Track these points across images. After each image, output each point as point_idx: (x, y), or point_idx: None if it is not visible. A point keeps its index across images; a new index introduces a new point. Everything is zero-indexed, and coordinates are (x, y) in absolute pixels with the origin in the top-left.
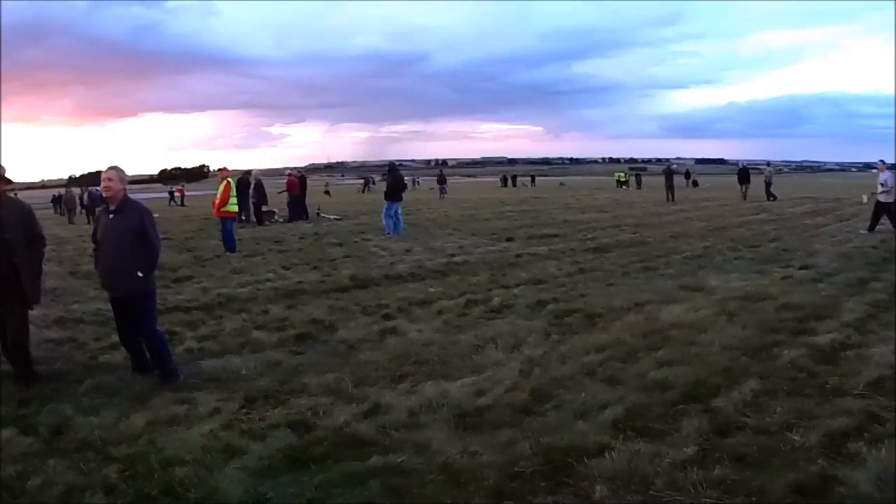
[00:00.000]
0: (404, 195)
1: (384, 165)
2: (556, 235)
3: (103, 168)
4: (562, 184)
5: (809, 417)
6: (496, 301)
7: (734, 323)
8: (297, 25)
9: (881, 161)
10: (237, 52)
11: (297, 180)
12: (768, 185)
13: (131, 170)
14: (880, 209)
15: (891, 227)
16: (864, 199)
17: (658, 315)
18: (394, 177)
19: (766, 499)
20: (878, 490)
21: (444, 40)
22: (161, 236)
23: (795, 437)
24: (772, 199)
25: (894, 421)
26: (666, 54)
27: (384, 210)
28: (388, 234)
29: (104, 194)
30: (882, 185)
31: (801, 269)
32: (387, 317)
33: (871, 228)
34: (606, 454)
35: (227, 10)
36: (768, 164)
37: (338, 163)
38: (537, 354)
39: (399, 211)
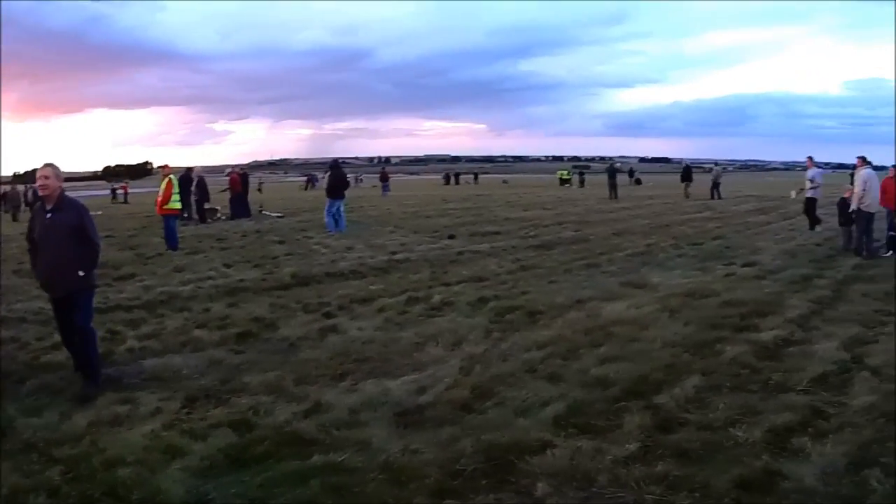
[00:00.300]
0: (347, 193)
1: (327, 163)
2: (498, 233)
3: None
4: (505, 181)
5: (753, 413)
6: (437, 298)
7: (676, 319)
8: (243, 19)
9: (809, 158)
10: (182, 46)
11: (239, 178)
12: (716, 184)
13: (75, 167)
14: (811, 206)
15: (835, 225)
16: (792, 194)
17: (600, 312)
18: (336, 174)
19: (709, 494)
20: (824, 484)
21: (390, 35)
22: (103, 234)
23: (739, 433)
24: (717, 197)
25: (839, 416)
26: (612, 53)
27: (326, 207)
28: (331, 231)
29: (40, 192)
30: (810, 181)
31: (744, 266)
32: (328, 315)
33: (812, 226)
34: (548, 451)
35: (174, 2)
36: (716, 163)
37: (281, 160)
38: (478, 352)
39: (341, 208)
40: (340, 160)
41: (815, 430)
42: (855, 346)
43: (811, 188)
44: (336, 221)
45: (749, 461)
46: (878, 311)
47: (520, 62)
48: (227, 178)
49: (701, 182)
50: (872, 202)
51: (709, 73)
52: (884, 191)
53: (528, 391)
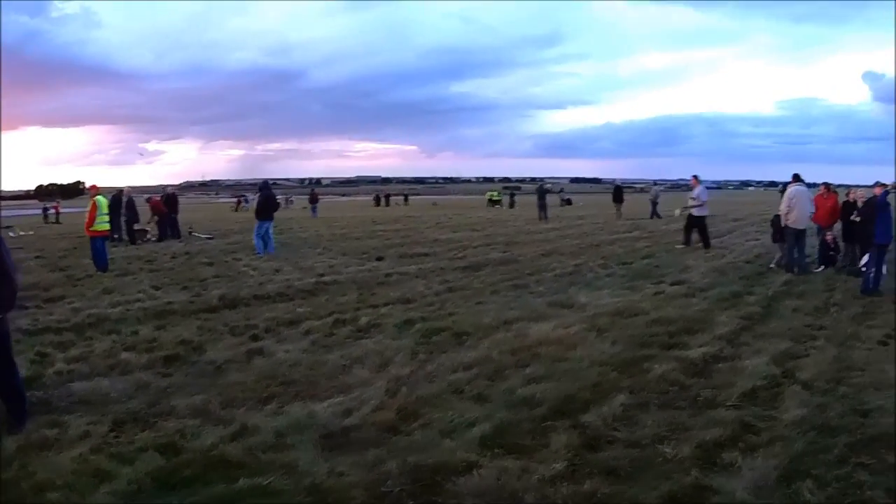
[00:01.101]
0: (277, 214)
1: (258, 183)
2: (426, 254)
3: None
4: (435, 203)
5: (682, 429)
6: (364, 321)
7: (604, 339)
8: (179, 38)
9: (694, 176)
10: (118, 64)
11: (162, 201)
12: (654, 203)
13: (7, 186)
14: (692, 223)
15: (772, 242)
16: (677, 213)
17: (527, 332)
18: (266, 196)
19: None
20: (755, 497)
21: (323, 56)
22: (33, 255)
23: (667, 450)
24: (656, 217)
25: (769, 430)
26: (545, 75)
27: (255, 229)
28: (259, 253)
29: None
30: (693, 199)
31: (673, 284)
32: (255, 337)
33: (686, 242)
34: (474, 472)
35: (111, 19)
36: (655, 183)
37: (212, 181)
38: (404, 373)
39: (270, 230)
40: (271, 181)
41: (745, 444)
42: (785, 360)
43: (696, 206)
44: (265, 243)
45: (678, 477)
46: (808, 326)
47: (452, 84)
48: (148, 201)
49: (632, 202)
50: (800, 218)
51: (641, 94)
52: (816, 208)
53: (454, 412)
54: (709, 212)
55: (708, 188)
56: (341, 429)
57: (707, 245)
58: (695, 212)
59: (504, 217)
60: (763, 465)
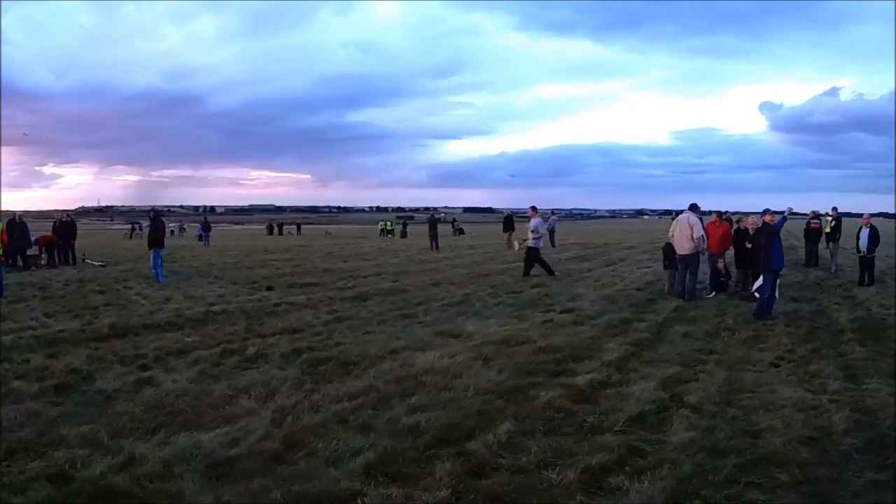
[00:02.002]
0: (169, 242)
1: (149, 211)
2: (316, 284)
3: None
4: (328, 232)
5: (568, 455)
6: (251, 350)
7: (490, 367)
8: (80, 57)
9: (532, 208)
10: (18, 82)
11: (53, 229)
12: (551, 232)
13: None
14: (531, 255)
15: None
16: (516, 245)
17: (413, 362)
18: (156, 224)
19: None
20: None
21: (221, 81)
22: None
23: (553, 475)
24: (552, 245)
25: (657, 453)
26: (442, 105)
27: (154, 258)
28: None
29: None
30: (532, 231)
31: (562, 312)
32: (143, 367)
33: (527, 272)
34: (359, 500)
35: (13, 35)
36: (552, 212)
37: (108, 206)
38: (290, 403)
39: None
40: (165, 209)
41: (632, 467)
42: (674, 384)
43: (534, 238)
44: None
45: (563, 501)
46: (698, 350)
47: (348, 112)
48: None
49: (524, 231)
50: (677, 245)
51: (537, 124)
52: (707, 235)
53: (338, 441)
54: (543, 244)
55: (601, 217)
56: (227, 458)
57: (550, 272)
58: (531, 243)
59: (396, 246)
60: (650, 487)
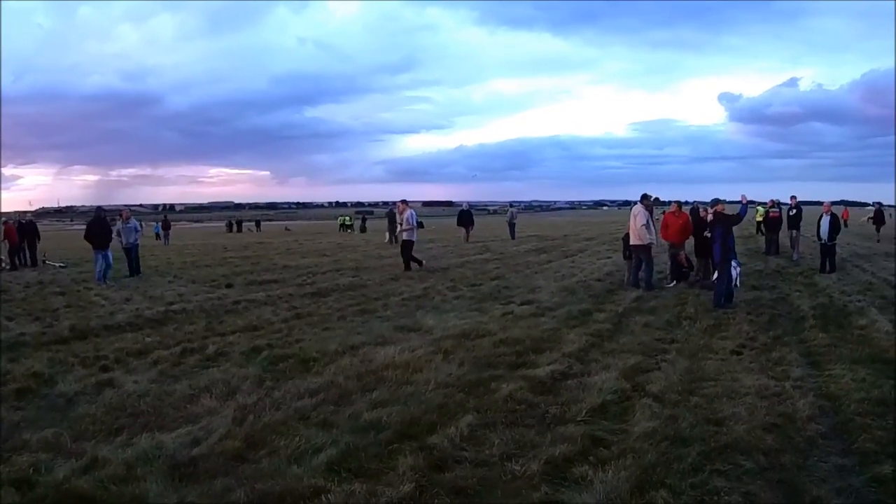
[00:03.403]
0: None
1: (114, 210)
2: (275, 281)
3: None
4: (287, 228)
5: (530, 447)
6: (212, 349)
7: (450, 361)
8: (36, 59)
9: (402, 201)
10: None
11: (14, 227)
12: (512, 225)
13: None
14: (404, 247)
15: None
16: (386, 237)
17: (373, 357)
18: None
19: None
20: None
21: (178, 81)
22: None
23: (516, 467)
24: (513, 238)
25: (620, 443)
26: (398, 100)
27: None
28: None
29: None
30: (403, 224)
31: (522, 304)
32: (104, 368)
33: (408, 267)
34: (322, 497)
35: None
36: (511, 204)
37: (67, 207)
38: (251, 402)
39: (110, 258)
40: (129, 207)
41: (595, 458)
42: (635, 374)
43: (406, 230)
44: (104, 272)
45: (527, 493)
46: (659, 340)
47: (305, 109)
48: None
49: (481, 225)
50: (633, 235)
51: (494, 118)
52: (665, 226)
53: (300, 438)
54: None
55: (560, 209)
56: (189, 458)
57: (419, 264)
58: (405, 235)
59: (355, 242)
60: (614, 477)
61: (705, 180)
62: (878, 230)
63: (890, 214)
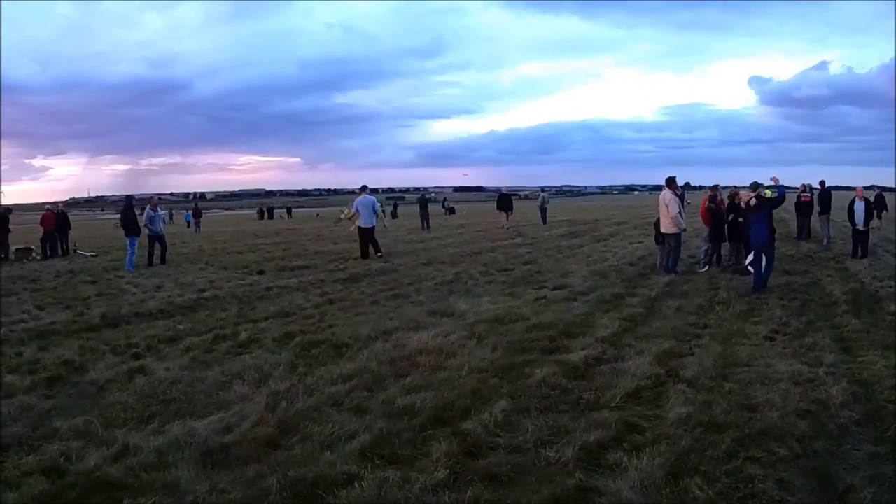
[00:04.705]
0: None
1: (145, 199)
2: (307, 267)
3: None
4: (318, 215)
5: (564, 433)
6: (244, 336)
7: (483, 346)
8: (62, 49)
9: (363, 187)
10: (4, 76)
11: (53, 215)
12: (543, 210)
13: None
14: (362, 235)
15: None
16: (342, 215)
17: (406, 342)
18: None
19: None
20: (642, 496)
21: (205, 67)
22: None
23: (550, 453)
24: (545, 223)
25: (654, 429)
26: (427, 85)
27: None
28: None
29: None
30: (357, 212)
31: (554, 289)
32: (136, 356)
33: (364, 255)
34: (355, 483)
35: None
36: (542, 189)
37: (98, 196)
38: (283, 388)
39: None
40: (157, 196)
41: (630, 444)
42: (669, 359)
43: (352, 217)
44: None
45: (561, 479)
46: (692, 325)
47: (333, 94)
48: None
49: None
50: (663, 223)
51: (523, 102)
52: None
53: (333, 425)
54: (374, 223)
55: (591, 193)
56: (221, 445)
57: (378, 252)
58: (360, 223)
59: (386, 227)
60: (649, 463)
61: (734, 163)
62: (879, 216)
63: None
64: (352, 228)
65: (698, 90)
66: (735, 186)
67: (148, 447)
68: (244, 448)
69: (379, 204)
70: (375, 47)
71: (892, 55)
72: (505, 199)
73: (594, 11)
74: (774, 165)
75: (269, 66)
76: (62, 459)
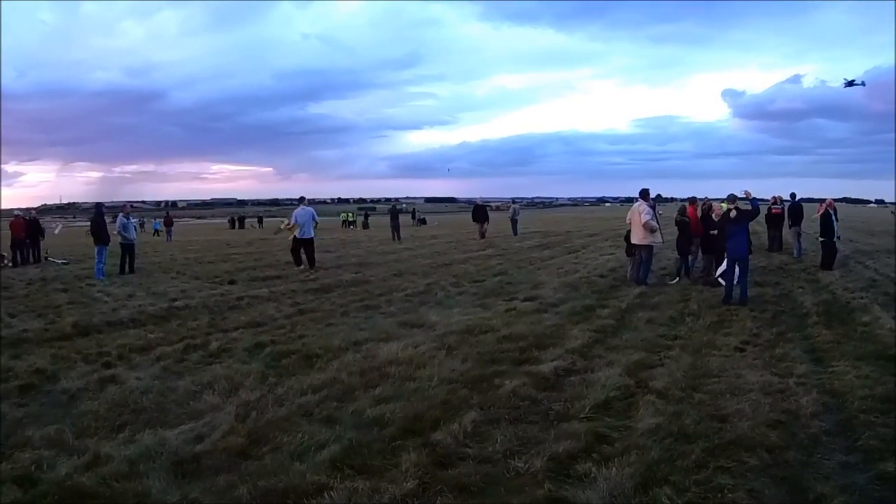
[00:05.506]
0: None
1: (117, 207)
2: (278, 277)
3: None
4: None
5: (534, 443)
6: (215, 345)
7: (454, 357)
8: (40, 55)
9: (301, 198)
10: None
11: (23, 222)
12: (514, 222)
13: None
14: (296, 245)
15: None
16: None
17: (376, 353)
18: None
19: None
20: None
21: (183, 77)
22: None
23: (519, 464)
24: (515, 234)
25: (624, 439)
26: (402, 96)
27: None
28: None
29: None
30: (293, 223)
31: (525, 300)
32: (107, 364)
33: (298, 262)
34: (325, 494)
35: None
36: (513, 200)
37: (70, 203)
38: (254, 398)
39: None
40: (130, 204)
41: (599, 454)
42: (639, 370)
43: (290, 227)
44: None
45: (531, 490)
46: (662, 336)
47: (309, 105)
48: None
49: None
50: (634, 234)
51: (498, 114)
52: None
53: (303, 435)
54: (313, 234)
55: (563, 205)
56: (192, 455)
57: (297, 264)
58: (297, 234)
59: (358, 238)
60: (618, 474)
61: (709, 176)
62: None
63: (893, 212)
64: (289, 238)
65: (673, 103)
66: (707, 198)
67: (119, 456)
68: (215, 458)
69: (317, 215)
70: (352, 58)
71: (866, 68)
72: (480, 211)
73: (572, 24)
74: (750, 178)
75: (246, 77)
76: (34, 468)
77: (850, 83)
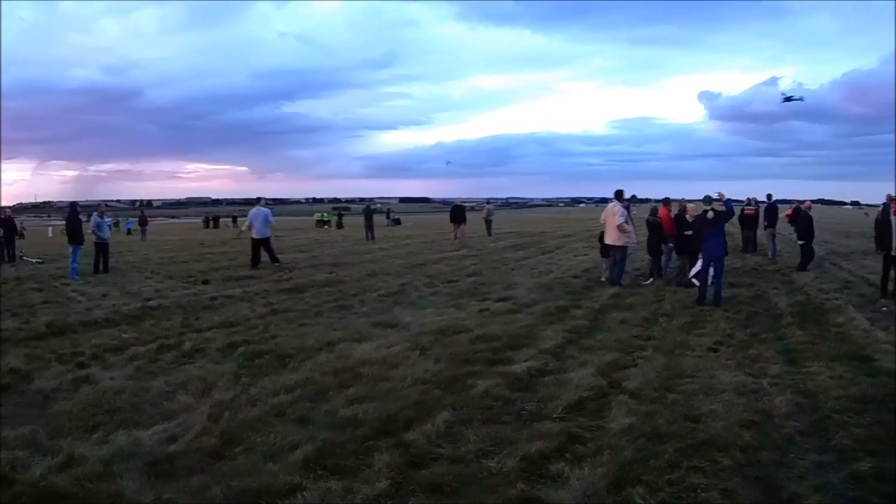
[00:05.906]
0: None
1: (92, 206)
2: (252, 277)
3: None
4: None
5: (507, 443)
6: (188, 345)
7: (427, 357)
8: (18, 53)
9: (258, 198)
10: None
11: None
12: (489, 222)
13: None
14: (255, 244)
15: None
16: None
17: (350, 353)
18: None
19: None
20: None
21: (159, 76)
22: None
23: (492, 464)
24: (489, 234)
25: (597, 440)
26: (378, 96)
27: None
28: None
29: None
30: (249, 224)
31: (498, 301)
32: (81, 364)
33: (254, 264)
34: (298, 494)
35: None
36: (488, 201)
37: (45, 202)
38: (227, 398)
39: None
40: (105, 202)
41: (572, 454)
42: (612, 371)
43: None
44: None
45: (504, 490)
46: (636, 337)
47: (284, 104)
48: None
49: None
50: (607, 234)
51: (474, 115)
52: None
53: (276, 435)
54: (268, 233)
55: (537, 206)
56: (166, 455)
57: (273, 261)
58: (253, 234)
59: (332, 238)
60: (591, 473)
61: (686, 177)
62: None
63: (866, 213)
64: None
65: (650, 104)
66: (684, 199)
67: (93, 457)
68: (189, 458)
69: (272, 215)
70: (328, 58)
71: (843, 71)
72: (458, 211)
73: (550, 26)
74: (727, 180)
75: (222, 76)
76: (8, 469)
77: (789, 98)
